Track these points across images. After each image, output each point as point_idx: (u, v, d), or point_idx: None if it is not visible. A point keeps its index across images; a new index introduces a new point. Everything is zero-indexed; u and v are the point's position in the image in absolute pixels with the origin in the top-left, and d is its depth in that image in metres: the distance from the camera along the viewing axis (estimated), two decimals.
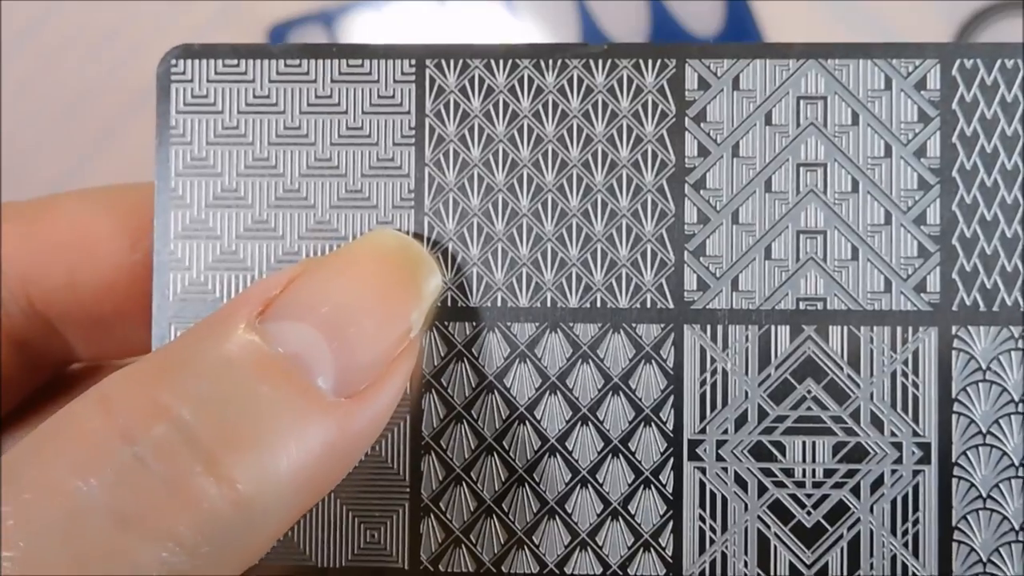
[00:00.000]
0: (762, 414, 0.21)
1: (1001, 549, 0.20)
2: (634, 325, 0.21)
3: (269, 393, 0.17)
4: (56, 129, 0.28)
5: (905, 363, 0.21)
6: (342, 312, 0.19)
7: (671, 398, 0.21)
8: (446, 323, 0.21)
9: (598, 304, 0.21)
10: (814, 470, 0.21)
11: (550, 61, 0.21)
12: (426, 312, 0.20)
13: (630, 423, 0.21)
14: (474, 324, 0.21)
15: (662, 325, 0.21)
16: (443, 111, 0.21)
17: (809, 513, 0.21)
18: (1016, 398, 0.21)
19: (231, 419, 0.17)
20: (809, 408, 0.21)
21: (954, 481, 0.21)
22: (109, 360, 0.24)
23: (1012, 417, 0.21)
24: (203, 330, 0.18)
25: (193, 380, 0.17)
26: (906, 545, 0.21)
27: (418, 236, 0.21)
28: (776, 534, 0.21)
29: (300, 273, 0.19)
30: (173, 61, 0.21)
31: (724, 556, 0.21)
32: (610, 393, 0.21)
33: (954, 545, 0.20)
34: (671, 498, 0.21)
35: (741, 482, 0.21)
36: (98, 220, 0.22)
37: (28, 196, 0.23)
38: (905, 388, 0.21)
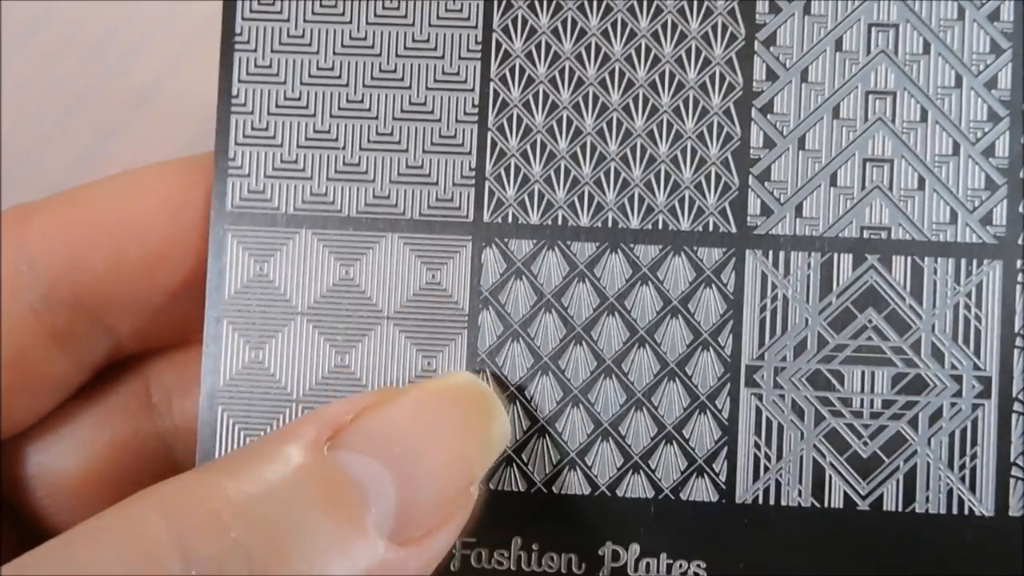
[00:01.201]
0: (822, 342, 0.21)
1: None
2: (695, 248, 0.21)
3: (329, 526, 0.17)
4: (56, 129, 0.28)
5: (968, 296, 0.20)
6: (412, 455, 0.18)
7: (730, 323, 0.21)
8: (506, 240, 0.21)
9: (660, 226, 0.21)
10: (872, 400, 0.20)
11: None
12: (489, 466, 0.20)
13: (688, 347, 0.21)
14: (534, 242, 0.21)
15: (724, 249, 0.21)
16: (510, 26, 0.21)
17: (866, 444, 0.20)
18: None
19: (288, 547, 0.17)
20: (869, 338, 0.20)
21: (1014, 416, 0.20)
22: (156, 348, 0.23)
23: None
24: (269, 445, 0.18)
25: (255, 499, 0.17)
26: (963, 480, 0.20)
27: (496, 379, 0.21)
28: (832, 464, 0.20)
29: (373, 403, 0.19)
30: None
31: (778, 484, 0.20)
32: (669, 316, 0.21)
33: (1012, 481, 0.20)
34: (726, 424, 0.21)
35: (798, 410, 0.20)
36: (141, 195, 0.22)
37: (28, 196, 0.22)
38: (967, 321, 0.20)
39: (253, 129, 0.21)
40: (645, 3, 0.21)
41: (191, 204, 0.21)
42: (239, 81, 0.21)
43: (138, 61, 0.28)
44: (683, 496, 0.21)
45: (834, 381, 0.21)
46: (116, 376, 0.23)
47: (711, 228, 0.21)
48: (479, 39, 0.21)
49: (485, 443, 0.20)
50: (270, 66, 0.21)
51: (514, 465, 0.21)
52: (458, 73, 0.21)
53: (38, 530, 0.23)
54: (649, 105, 0.21)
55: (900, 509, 0.20)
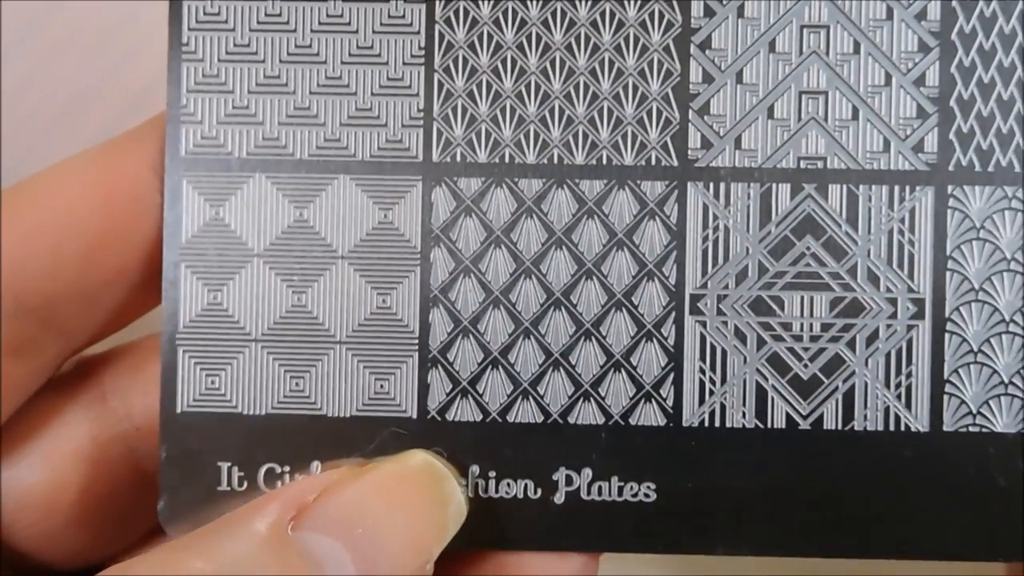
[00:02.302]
0: (762, 270, 0.21)
1: (991, 401, 0.21)
2: (639, 182, 0.21)
3: None
4: (56, 129, 0.28)
5: (902, 221, 0.21)
6: (373, 536, 0.19)
7: (674, 253, 0.21)
8: (455, 178, 0.21)
9: (604, 161, 0.21)
10: (811, 324, 0.21)
11: None
12: (445, 545, 0.21)
13: (633, 278, 0.21)
14: (482, 180, 0.21)
15: (666, 182, 0.21)
16: None
17: (806, 366, 0.21)
18: (1009, 256, 0.21)
19: None
20: (808, 264, 0.21)
21: (947, 336, 0.21)
22: (107, 336, 0.24)
23: (1004, 274, 0.21)
24: (235, 524, 0.19)
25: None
26: (899, 397, 0.21)
27: (439, 454, 0.21)
28: (774, 386, 0.21)
29: (335, 482, 0.20)
30: None
31: (723, 407, 0.21)
32: (614, 248, 0.21)
33: (945, 398, 0.21)
34: (672, 351, 0.21)
35: (740, 336, 0.21)
36: (68, 190, 0.22)
37: None
38: (901, 246, 0.21)
39: (204, 76, 0.21)
40: None
41: (120, 189, 0.22)
42: (189, 29, 0.21)
43: (138, 61, 0.29)
44: (632, 422, 0.21)
45: (775, 307, 0.21)
46: (73, 384, 0.23)
47: (653, 162, 0.21)
48: None
49: (442, 524, 0.20)
50: (218, 13, 0.21)
51: (469, 396, 0.21)
52: (404, 16, 0.21)
53: (12, 550, 0.23)
54: (591, 43, 0.21)
55: (840, 427, 0.21)
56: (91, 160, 0.22)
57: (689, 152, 0.21)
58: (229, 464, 0.21)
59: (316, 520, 0.19)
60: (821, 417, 0.21)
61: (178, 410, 0.21)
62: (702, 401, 0.21)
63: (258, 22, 0.21)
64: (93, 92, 0.28)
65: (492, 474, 0.21)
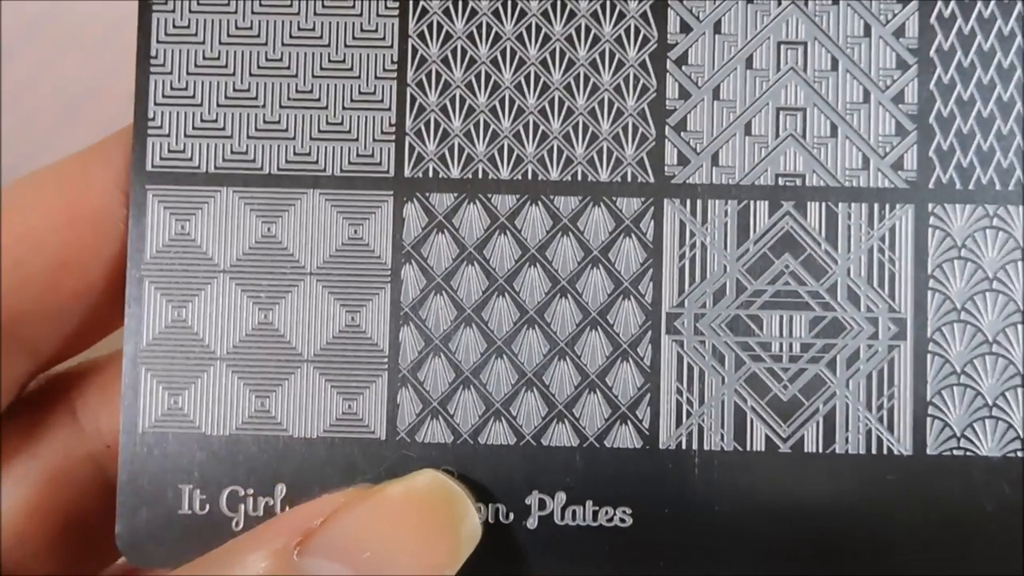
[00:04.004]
0: (740, 288, 0.21)
1: (975, 424, 0.21)
2: (614, 199, 0.21)
3: None
4: (56, 129, 0.28)
5: (882, 239, 0.21)
6: (381, 561, 0.18)
7: (650, 271, 0.21)
8: (427, 194, 0.21)
9: (579, 177, 0.21)
10: (791, 344, 0.21)
11: None
12: (459, 567, 0.20)
13: (609, 296, 0.21)
14: (455, 196, 0.21)
15: (642, 199, 0.21)
16: None
17: (785, 387, 0.21)
18: (990, 275, 0.21)
19: None
20: (787, 283, 0.21)
21: (929, 357, 0.21)
22: (76, 354, 0.23)
23: (987, 294, 0.21)
24: (239, 554, 0.18)
25: None
26: (881, 420, 0.21)
27: (449, 473, 0.21)
28: (753, 407, 0.21)
29: (341, 506, 0.19)
30: None
31: (700, 429, 0.21)
32: (589, 266, 0.21)
33: (928, 420, 0.21)
34: (648, 371, 0.21)
35: (718, 355, 0.21)
36: (32, 206, 0.21)
37: None
38: (882, 264, 0.21)
39: (172, 89, 0.21)
40: None
41: (86, 206, 0.21)
42: (158, 42, 0.21)
43: None
44: (608, 444, 0.21)
45: (753, 326, 0.21)
46: (42, 405, 0.23)
47: (629, 178, 0.21)
48: None
49: (454, 545, 0.20)
50: (188, 26, 0.21)
51: (440, 417, 0.21)
52: (376, 30, 0.21)
53: None
54: (566, 59, 0.21)
55: (821, 450, 0.21)
56: (57, 175, 0.21)
57: (665, 168, 0.21)
58: (191, 486, 0.21)
59: (322, 545, 0.18)
60: (802, 440, 0.21)
61: (140, 430, 0.21)
62: (679, 423, 0.21)
63: (228, 35, 0.21)
64: (93, 92, 0.28)
65: None
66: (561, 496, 0.21)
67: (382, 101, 0.21)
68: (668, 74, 0.21)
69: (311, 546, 0.18)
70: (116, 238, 0.21)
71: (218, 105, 0.21)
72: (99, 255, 0.21)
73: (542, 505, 0.21)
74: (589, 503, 0.21)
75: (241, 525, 0.21)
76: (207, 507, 0.21)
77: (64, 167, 0.22)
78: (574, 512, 0.21)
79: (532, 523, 0.21)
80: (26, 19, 0.27)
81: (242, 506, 0.21)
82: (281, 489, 0.21)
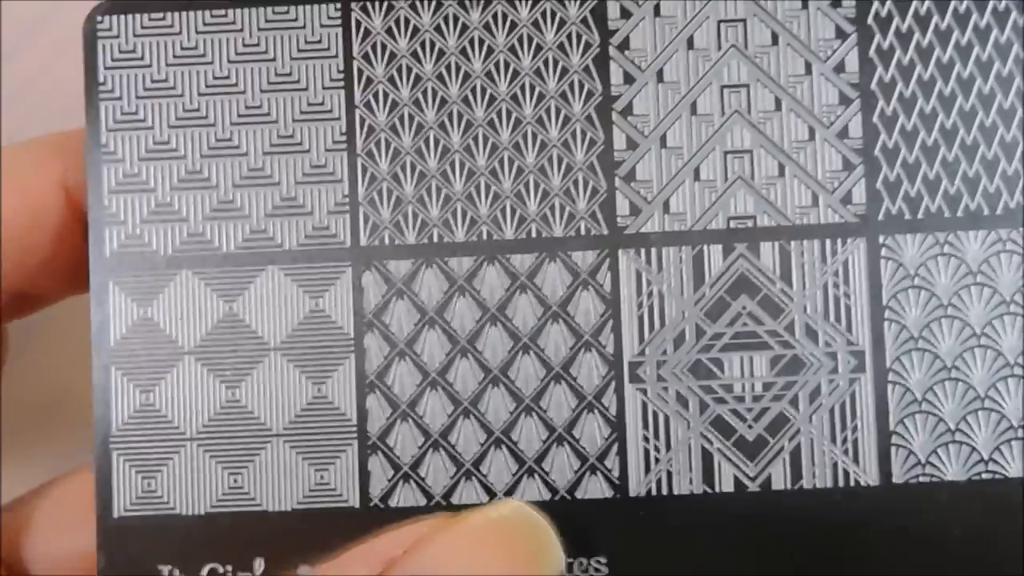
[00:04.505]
0: (699, 332, 0.21)
1: (939, 450, 0.21)
2: (569, 253, 0.21)
3: None
4: (56, 129, 0.28)
5: (836, 274, 0.21)
6: None
7: (609, 322, 0.21)
8: (384, 262, 0.21)
9: (533, 234, 0.21)
10: (753, 384, 0.21)
11: None
12: None
13: (570, 349, 0.21)
14: (412, 261, 0.21)
15: (597, 251, 0.21)
16: (371, 53, 0.21)
17: (750, 427, 0.21)
18: (945, 302, 0.21)
19: None
20: (745, 324, 0.21)
21: (889, 387, 0.21)
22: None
23: (942, 320, 0.21)
24: None
25: None
26: (846, 452, 0.21)
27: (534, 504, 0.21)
28: (719, 449, 0.21)
29: (425, 535, 0.19)
30: (99, 18, 0.21)
31: (669, 474, 0.21)
32: (549, 321, 0.21)
33: (893, 449, 0.21)
34: (614, 420, 0.21)
35: (682, 400, 0.21)
36: None
37: None
38: (837, 299, 0.21)
39: (125, 176, 0.21)
40: (500, 19, 0.21)
41: (25, 202, 0.22)
42: (108, 130, 0.21)
43: None
44: (579, 495, 0.21)
45: (715, 369, 0.21)
46: None
47: (583, 231, 0.21)
48: (341, 68, 0.21)
49: (536, 573, 0.20)
50: (136, 112, 0.21)
51: (411, 481, 0.21)
52: (323, 103, 0.21)
53: None
54: (513, 118, 0.21)
55: (789, 487, 0.21)
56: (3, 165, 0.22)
57: (618, 219, 0.21)
58: (170, 567, 0.21)
59: (407, 573, 0.19)
60: (769, 478, 0.21)
61: (115, 515, 0.21)
62: (648, 470, 0.21)
63: (176, 118, 0.21)
64: None
65: None
66: None
67: (334, 173, 0.21)
68: (614, 125, 0.21)
69: (396, 573, 0.19)
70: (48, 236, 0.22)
71: (171, 188, 0.21)
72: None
73: None
74: (563, 556, 0.21)
75: None
76: None
77: (9, 157, 0.22)
78: None
79: None
80: (26, 19, 0.28)
81: None
82: (259, 563, 0.21)
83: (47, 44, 0.28)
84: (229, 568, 0.21)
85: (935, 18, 0.21)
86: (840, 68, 0.21)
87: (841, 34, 0.21)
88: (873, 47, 0.21)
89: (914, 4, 0.21)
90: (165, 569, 0.21)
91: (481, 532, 0.20)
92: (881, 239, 0.21)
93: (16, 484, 0.24)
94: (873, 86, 0.21)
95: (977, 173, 0.21)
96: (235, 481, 0.21)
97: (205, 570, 0.21)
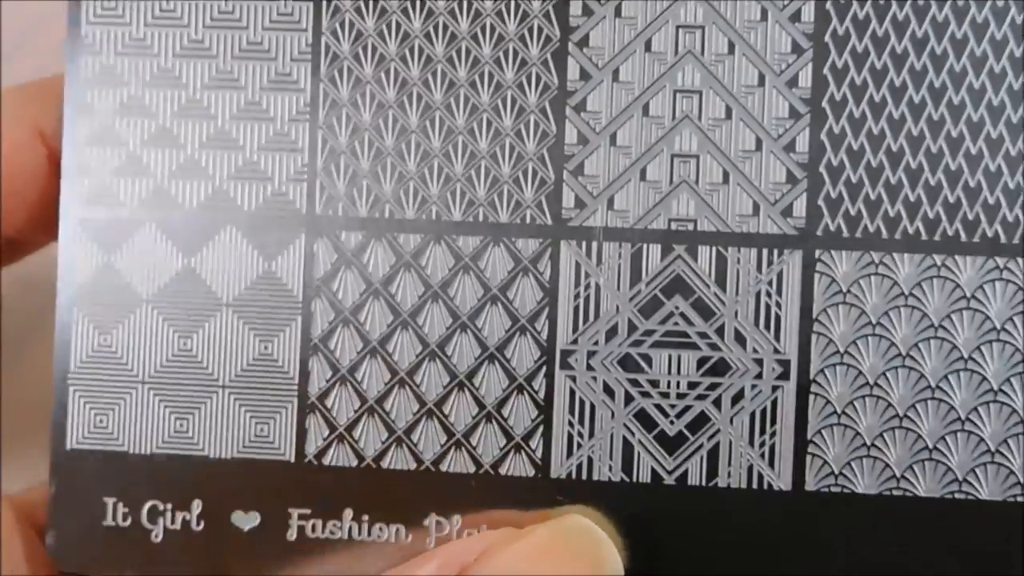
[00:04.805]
0: (632, 327, 0.22)
1: (853, 463, 0.22)
2: (514, 240, 0.22)
3: None
4: None
5: (770, 283, 0.22)
6: None
7: (546, 310, 0.22)
8: (337, 232, 0.22)
9: (480, 218, 0.22)
10: (679, 382, 0.22)
11: None
12: None
13: (507, 332, 0.22)
14: (363, 234, 0.22)
15: (540, 240, 0.22)
16: (339, 29, 0.22)
17: (672, 422, 0.22)
18: (874, 320, 0.22)
19: None
20: (676, 323, 0.22)
21: (811, 397, 0.22)
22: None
23: (869, 338, 0.22)
24: None
25: None
26: (763, 456, 0.22)
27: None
28: (640, 441, 0.22)
29: (495, 544, 0.20)
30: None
31: (590, 460, 0.22)
32: (489, 303, 0.22)
33: (808, 457, 0.22)
34: (542, 404, 0.22)
35: (609, 391, 0.22)
36: None
37: None
38: (768, 307, 0.22)
39: (98, 129, 0.22)
40: (465, 7, 0.22)
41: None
42: (84, 84, 0.22)
43: None
44: (502, 471, 0.22)
45: (643, 364, 0.22)
46: None
47: (528, 220, 0.22)
48: (309, 41, 0.22)
49: None
50: (114, 65, 0.22)
51: (345, 443, 0.22)
52: (290, 74, 0.22)
53: None
54: (470, 104, 0.22)
55: (704, 484, 0.22)
56: None
57: (563, 211, 0.22)
58: (114, 500, 0.22)
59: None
60: (686, 473, 0.22)
61: (67, 447, 0.22)
62: (570, 454, 0.22)
63: (151, 76, 0.22)
64: None
65: (365, 518, 0.22)
66: (457, 519, 0.22)
67: (295, 142, 0.22)
68: (567, 120, 0.22)
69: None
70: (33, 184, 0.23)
71: (141, 144, 0.22)
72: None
73: (439, 527, 0.22)
74: (483, 527, 0.22)
75: (160, 537, 0.22)
76: (129, 520, 0.22)
77: None
78: (469, 534, 0.22)
79: (430, 543, 0.22)
80: (26, 19, 0.29)
81: (161, 520, 0.22)
82: (197, 505, 0.22)
83: (47, 44, 0.28)
84: (169, 506, 0.22)
85: (891, 42, 0.21)
86: (793, 82, 0.22)
87: (797, 48, 0.22)
88: (828, 64, 0.21)
89: (872, 25, 0.21)
90: (110, 502, 0.22)
91: (547, 543, 0.21)
92: (817, 253, 0.22)
93: (16, 484, 0.25)
94: (824, 103, 0.22)
95: (919, 198, 0.21)
96: (181, 425, 0.22)
97: (146, 506, 0.22)
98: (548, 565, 0.20)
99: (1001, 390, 0.21)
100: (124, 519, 0.22)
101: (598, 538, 0.21)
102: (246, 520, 0.22)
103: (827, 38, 0.21)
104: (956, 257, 0.21)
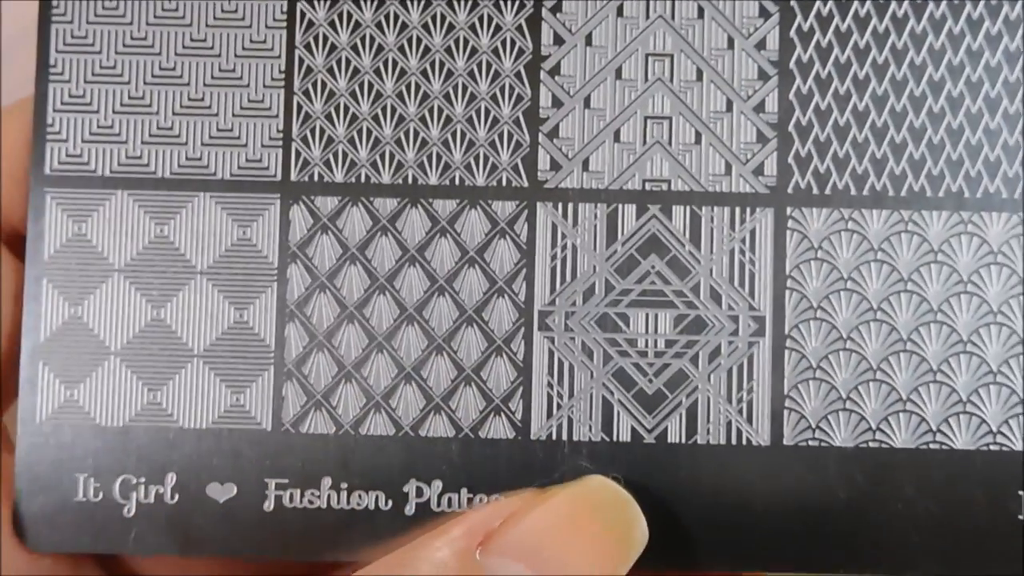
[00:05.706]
0: (608, 287, 0.22)
1: (830, 416, 0.22)
2: (490, 202, 0.22)
3: None
4: None
5: (743, 241, 0.22)
6: (559, 561, 0.20)
7: (523, 271, 0.22)
8: (312, 197, 0.22)
9: (456, 182, 0.22)
10: (656, 341, 0.22)
11: None
12: (630, 567, 0.21)
13: (484, 294, 0.22)
14: (339, 199, 0.22)
15: (516, 202, 0.22)
16: None
17: (651, 381, 0.22)
18: (846, 275, 0.22)
19: None
20: (653, 282, 0.22)
21: (787, 353, 0.22)
22: None
23: (842, 293, 0.22)
24: (420, 549, 0.20)
25: None
26: (740, 412, 0.22)
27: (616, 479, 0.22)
28: (619, 400, 0.22)
29: (520, 508, 0.20)
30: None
31: (570, 420, 0.22)
32: (466, 266, 0.22)
33: (785, 413, 0.22)
34: (521, 365, 0.22)
35: (587, 351, 0.22)
36: None
37: None
38: (742, 265, 0.22)
39: (70, 96, 0.22)
40: None
41: None
42: (56, 51, 0.22)
43: None
44: (482, 434, 0.22)
45: (620, 323, 0.22)
46: None
47: (504, 183, 0.22)
48: (284, 9, 0.22)
49: (626, 547, 0.21)
50: (86, 36, 0.22)
51: (323, 409, 0.22)
52: (265, 41, 0.22)
53: None
54: (445, 69, 0.22)
55: (683, 441, 0.22)
56: None
57: (539, 173, 0.22)
58: (86, 475, 0.22)
59: (503, 545, 0.20)
60: (665, 431, 0.22)
61: (37, 421, 0.22)
62: (550, 415, 0.22)
63: (124, 45, 0.22)
64: None
65: (344, 485, 0.22)
66: (437, 484, 0.22)
67: (270, 108, 0.22)
68: (542, 84, 0.22)
69: (493, 546, 0.20)
70: None
71: (114, 112, 0.22)
72: None
73: (419, 493, 0.22)
74: (464, 491, 0.22)
75: (133, 512, 0.22)
76: (100, 495, 0.22)
77: None
78: (450, 499, 0.22)
79: (410, 509, 0.22)
80: (26, 19, 0.28)
81: (134, 494, 0.22)
82: (171, 478, 0.22)
83: None
84: (142, 480, 0.22)
85: (854, 6, 0.22)
86: (762, 45, 0.22)
87: (764, 12, 0.22)
88: (794, 27, 0.22)
89: None
90: (81, 477, 0.22)
91: (572, 506, 0.20)
92: (788, 211, 0.22)
93: None
94: (792, 65, 0.22)
95: (885, 155, 0.22)
96: (154, 397, 0.22)
97: (118, 481, 0.22)
98: (575, 526, 0.20)
99: (971, 341, 0.22)
100: (96, 494, 0.22)
101: (623, 499, 0.21)
102: (222, 492, 0.22)
103: (792, 1, 0.22)
104: (923, 212, 0.22)
